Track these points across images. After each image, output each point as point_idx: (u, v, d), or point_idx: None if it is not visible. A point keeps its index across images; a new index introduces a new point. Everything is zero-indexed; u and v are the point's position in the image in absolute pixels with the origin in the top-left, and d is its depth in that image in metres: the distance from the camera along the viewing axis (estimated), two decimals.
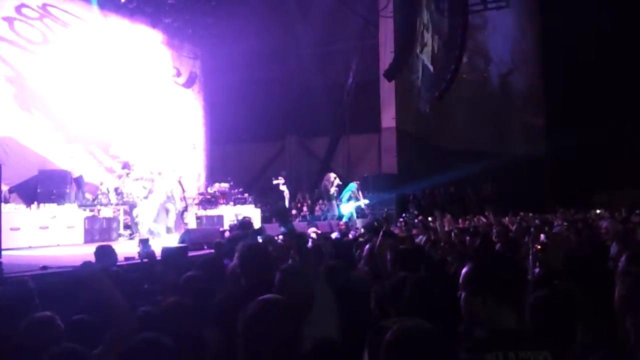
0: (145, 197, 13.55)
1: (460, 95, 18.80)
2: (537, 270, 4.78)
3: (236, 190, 16.81)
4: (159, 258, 6.45)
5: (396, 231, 9.30)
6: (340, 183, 16.14)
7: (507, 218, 12.21)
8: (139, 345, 2.36)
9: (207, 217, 14.63)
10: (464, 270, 2.33)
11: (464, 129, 20.18)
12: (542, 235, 6.46)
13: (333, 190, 15.64)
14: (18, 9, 14.43)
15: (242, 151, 20.01)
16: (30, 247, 10.47)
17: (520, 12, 20.87)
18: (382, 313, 3.09)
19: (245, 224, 9.96)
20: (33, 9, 14.78)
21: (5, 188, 10.68)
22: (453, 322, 2.72)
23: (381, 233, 5.02)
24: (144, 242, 5.24)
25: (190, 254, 8.02)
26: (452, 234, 7.47)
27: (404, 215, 15.83)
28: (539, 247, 5.35)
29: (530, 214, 12.53)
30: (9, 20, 14.17)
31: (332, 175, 16.37)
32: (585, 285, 3.28)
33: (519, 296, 2.32)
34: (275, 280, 3.12)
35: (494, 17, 20.14)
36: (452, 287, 3.69)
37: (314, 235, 8.48)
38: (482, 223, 11.17)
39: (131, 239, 12.24)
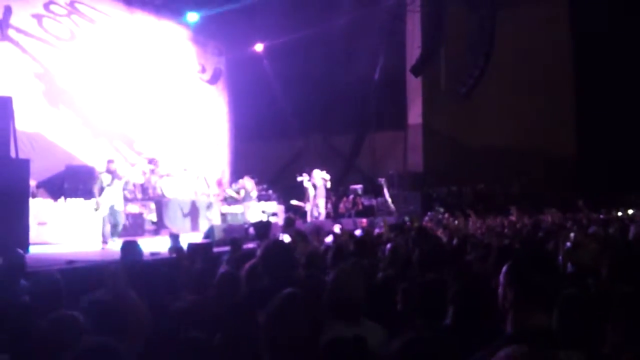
0: (171, 193, 13.65)
1: (489, 91, 18.52)
2: (569, 268, 4.67)
3: (260, 187, 16.83)
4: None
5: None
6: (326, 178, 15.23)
7: (535, 217, 11.98)
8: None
9: (231, 214, 14.68)
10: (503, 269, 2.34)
11: (492, 126, 19.88)
12: (571, 235, 6.31)
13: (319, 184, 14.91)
14: (46, 6, 14.62)
15: (266, 148, 20.03)
16: (56, 242, 10.59)
17: (548, 7, 20.50)
18: (409, 312, 3.05)
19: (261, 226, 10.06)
20: (61, 6, 14.97)
21: (33, 183, 10.80)
22: (482, 320, 2.65)
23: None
24: (175, 237, 5.25)
25: (215, 249, 8.03)
26: (480, 233, 7.34)
27: (429, 213, 15.67)
28: (569, 244, 5.24)
29: (558, 213, 12.26)
30: (38, 17, 14.36)
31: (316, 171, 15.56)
32: (618, 283, 3.21)
33: (552, 295, 2.28)
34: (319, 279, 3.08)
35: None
36: (479, 287, 3.61)
37: (337, 231, 8.45)
38: (510, 222, 10.98)
39: (157, 234, 12.31)
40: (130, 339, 2.70)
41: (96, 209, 10.02)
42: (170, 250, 5.31)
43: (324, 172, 15.11)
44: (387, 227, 8.63)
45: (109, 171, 10.19)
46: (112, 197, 10.11)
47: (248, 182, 14.64)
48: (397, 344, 1.93)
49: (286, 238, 7.32)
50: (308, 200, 15.78)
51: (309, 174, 15.67)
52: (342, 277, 3.03)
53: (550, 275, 2.40)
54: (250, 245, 9.29)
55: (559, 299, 2.46)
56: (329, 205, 16.75)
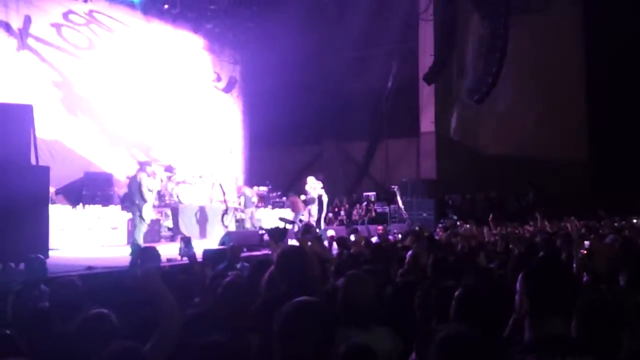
0: (187, 200, 13.78)
1: (501, 98, 18.49)
2: (584, 277, 4.67)
3: (274, 194, 16.92)
4: (199, 259, 6.53)
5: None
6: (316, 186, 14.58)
7: (549, 224, 11.92)
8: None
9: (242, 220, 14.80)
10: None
11: (504, 133, 19.82)
12: (586, 242, 6.30)
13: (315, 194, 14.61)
14: (65, 15, 14.89)
15: (280, 155, 20.14)
16: (75, 247, 10.74)
17: (561, 14, 20.47)
18: (427, 320, 3.06)
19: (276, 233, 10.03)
20: (80, 15, 15.23)
21: (52, 190, 10.97)
22: (499, 328, 2.70)
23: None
24: (186, 241, 5.26)
25: None
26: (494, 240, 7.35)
27: (442, 220, 15.65)
28: (584, 252, 5.23)
29: (574, 220, 12.17)
30: (57, 26, 14.63)
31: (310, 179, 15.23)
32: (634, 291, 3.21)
33: (568, 302, 2.30)
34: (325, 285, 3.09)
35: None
36: (495, 294, 3.63)
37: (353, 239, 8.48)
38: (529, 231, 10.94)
39: (173, 240, 12.43)
40: (160, 342, 2.77)
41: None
42: (181, 253, 5.33)
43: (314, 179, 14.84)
44: (410, 234, 8.64)
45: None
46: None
47: (247, 189, 14.76)
48: (436, 338, 1.92)
49: (293, 242, 7.35)
50: (323, 207, 15.84)
51: (321, 181, 15.76)
52: (353, 284, 3.02)
53: (567, 282, 2.42)
54: (266, 251, 9.38)
55: (579, 305, 2.44)
56: (330, 214, 16.80)
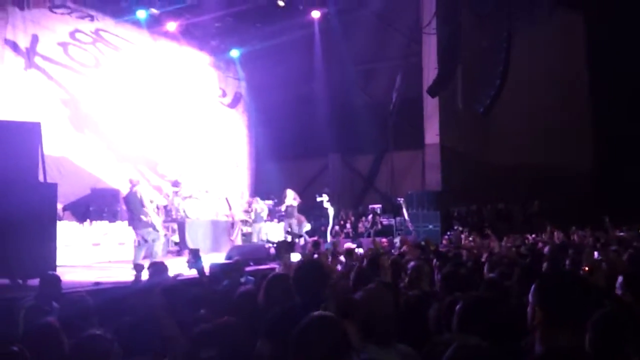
0: (194, 215, 13.82)
1: (506, 109, 18.53)
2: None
3: (279, 208, 16.92)
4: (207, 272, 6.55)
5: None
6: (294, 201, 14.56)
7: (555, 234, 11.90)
8: None
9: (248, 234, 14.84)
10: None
11: (509, 144, 19.84)
12: (595, 253, 6.29)
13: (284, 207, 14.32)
14: (72, 34, 15.06)
15: (285, 169, 20.17)
16: (82, 264, 10.77)
17: (564, 24, 20.55)
18: (438, 332, 3.05)
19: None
20: (86, 34, 15.40)
21: (59, 206, 11.03)
22: (507, 340, 2.69)
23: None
24: (195, 253, 5.28)
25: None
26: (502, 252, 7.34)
27: (448, 232, 15.62)
28: (586, 269, 5.19)
29: (580, 231, 12.14)
30: (64, 45, 14.79)
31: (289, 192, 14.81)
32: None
33: (580, 314, 2.28)
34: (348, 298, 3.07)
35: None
36: (504, 306, 3.63)
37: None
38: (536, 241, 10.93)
39: (179, 255, 12.46)
40: (170, 357, 2.80)
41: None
42: (189, 264, 5.36)
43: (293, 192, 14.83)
44: (404, 243, 8.65)
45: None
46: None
47: (257, 203, 14.76)
48: (450, 352, 1.90)
49: (295, 257, 7.35)
50: (328, 220, 15.90)
51: (327, 194, 15.80)
52: (372, 297, 2.98)
53: (578, 293, 2.40)
54: (272, 265, 9.40)
55: (595, 319, 2.41)
56: (336, 227, 16.82)
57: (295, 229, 13.95)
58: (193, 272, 5.53)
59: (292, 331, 2.17)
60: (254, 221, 14.54)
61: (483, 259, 6.33)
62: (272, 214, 16.37)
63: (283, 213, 14.39)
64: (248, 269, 8.90)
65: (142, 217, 9.69)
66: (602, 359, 2.29)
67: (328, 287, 3.17)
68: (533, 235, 12.31)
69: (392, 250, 10.01)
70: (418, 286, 4.68)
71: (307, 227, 15.07)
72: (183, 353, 2.93)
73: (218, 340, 3.28)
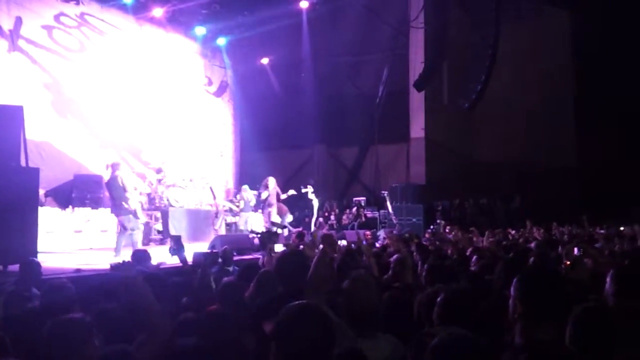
0: (177, 203, 13.76)
1: (491, 104, 18.65)
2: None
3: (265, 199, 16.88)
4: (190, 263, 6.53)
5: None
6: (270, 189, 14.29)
7: (537, 230, 12.02)
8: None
9: (235, 223, 14.78)
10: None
11: (494, 140, 20.00)
12: (575, 250, 6.36)
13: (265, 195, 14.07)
14: (57, 17, 14.83)
15: (270, 159, 20.13)
16: (64, 250, 10.68)
17: (550, 22, 20.70)
18: (421, 324, 3.09)
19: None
20: (71, 18, 15.18)
21: (41, 192, 10.91)
22: (488, 333, 2.73)
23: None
24: (176, 240, 5.24)
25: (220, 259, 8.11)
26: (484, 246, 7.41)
27: (431, 227, 15.72)
28: (568, 263, 5.27)
29: (557, 226, 12.28)
30: (48, 28, 14.57)
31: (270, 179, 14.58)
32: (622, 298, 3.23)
33: (560, 308, 2.32)
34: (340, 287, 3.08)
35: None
36: (486, 299, 3.67)
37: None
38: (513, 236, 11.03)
39: (162, 243, 12.41)
40: (150, 344, 2.79)
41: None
42: (171, 252, 5.33)
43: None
44: (394, 238, 8.69)
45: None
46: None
47: (246, 192, 14.67)
48: (436, 340, 1.90)
49: (278, 247, 7.35)
50: (313, 211, 15.92)
51: (312, 186, 15.80)
52: (356, 287, 2.99)
53: (559, 288, 2.43)
54: (256, 255, 9.40)
55: (575, 313, 2.45)
56: (320, 219, 16.87)
57: (277, 219, 13.93)
58: (175, 260, 5.49)
59: (275, 321, 2.15)
60: (242, 210, 14.42)
61: (467, 253, 6.39)
62: (256, 205, 16.33)
63: (265, 201, 14.21)
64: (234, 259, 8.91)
65: (124, 203, 9.62)
66: (582, 354, 2.32)
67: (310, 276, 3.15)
68: (513, 231, 12.42)
69: (376, 243, 10.08)
70: (402, 279, 4.74)
71: (289, 218, 15.07)
72: (162, 341, 2.92)
73: (199, 329, 3.28)
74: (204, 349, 3.06)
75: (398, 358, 2.82)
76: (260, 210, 14.78)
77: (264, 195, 14.04)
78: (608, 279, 3.11)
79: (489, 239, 8.65)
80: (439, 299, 2.91)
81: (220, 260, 6.99)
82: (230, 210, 15.43)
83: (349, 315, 2.91)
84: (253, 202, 14.67)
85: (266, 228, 13.14)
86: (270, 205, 13.99)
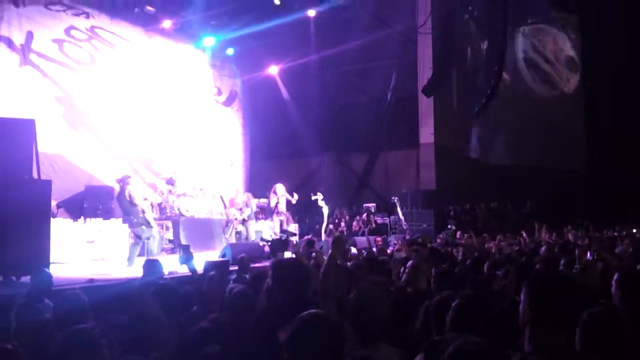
0: (188, 213, 13.80)
1: (500, 109, 18.60)
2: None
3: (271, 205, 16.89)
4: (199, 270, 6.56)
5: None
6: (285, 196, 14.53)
7: (548, 234, 11.96)
8: None
9: (246, 231, 14.77)
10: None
11: (504, 144, 19.92)
12: (588, 254, 6.32)
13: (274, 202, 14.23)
14: (67, 31, 14.99)
15: (280, 167, 20.17)
16: (76, 262, 10.74)
17: (559, 24, 20.64)
18: (429, 330, 3.07)
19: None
20: (81, 31, 15.33)
21: (53, 203, 10.99)
22: (500, 340, 2.71)
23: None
24: (185, 249, 5.26)
25: (231, 268, 8.16)
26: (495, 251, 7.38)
27: (443, 232, 15.68)
28: (579, 268, 5.24)
29: (572, 230, 12.21)
30: (59, 42, 14.73)
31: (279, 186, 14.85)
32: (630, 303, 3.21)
33: (570, 314, 2.30)
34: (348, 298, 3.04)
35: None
36: (497, 305, 3.65)
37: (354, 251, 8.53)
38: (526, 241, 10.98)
39: (174, 253, 12.44)
40: (157, 356, 2.80)
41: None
42: (181, 260, 5.36)
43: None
44: (406, 244, 8.68)
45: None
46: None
47: (253, 201, 14.72)
48: (453, 348, 1.88)
49: (287, 254, 7.36)
50: (323, 218, 15.90)
51: (320, 193, 15.79)
52: (364, 298, 2.97)
53: (568, 293, 2.41)
54: (266, 263, 9.40)
55: (585, 319, 2.44)
56: (330, 226, 16.85)
57: (285, 227, 13.98)
58: (185, 270, 5.52)
59: (287, 330, 2.15)
60: (250, 218, 14.47)
61: (479, 256, 6.36)
62: (267, 213, 16.35)
63: (274, 209, 14.28)
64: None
65: (132, 217, 9.69)
66: (591, 359, 2.31)
67: (320, 285, 3.14)
68: (525, 235, 12.37)
69: (387, 250, 10.05)
70: (415, 285, 4.72)
71: (292, 227, 15.11)
72: (181, 350, 2.94)
73: (218, 338, 3.29)
74: (230, 356, 3.07)
75: None
76: (270, 219, 14.80)
77: (273, 202, 14.09)
78: (613, 283, 3.09)
79: (501, 243, 8.62)
80: (453, 305, 2.89)
81: (237, 267, 7.08)
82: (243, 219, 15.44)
83: (355, 325, 2.89)
84: (254, 210, 14.68)
85: (276, 235, 13.16)
86: (280, 213, 14.03)
